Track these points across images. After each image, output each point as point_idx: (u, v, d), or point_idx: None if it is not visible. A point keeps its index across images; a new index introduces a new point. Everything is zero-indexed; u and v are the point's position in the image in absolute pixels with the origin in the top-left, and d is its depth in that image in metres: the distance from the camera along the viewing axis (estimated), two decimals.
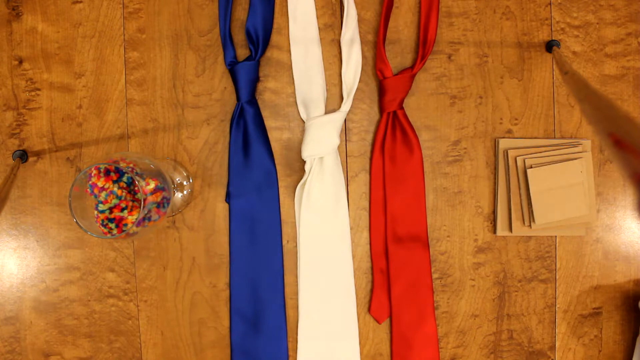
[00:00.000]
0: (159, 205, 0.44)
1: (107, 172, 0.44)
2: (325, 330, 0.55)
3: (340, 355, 0.55)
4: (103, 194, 0.44)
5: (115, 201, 0.43)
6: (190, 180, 0.55)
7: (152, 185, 0.43)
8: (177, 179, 0.54)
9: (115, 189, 0.44)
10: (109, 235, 0.43)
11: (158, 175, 0.45)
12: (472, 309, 0.57)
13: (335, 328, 0.55)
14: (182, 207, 0.55)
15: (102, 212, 0.44)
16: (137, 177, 0.42)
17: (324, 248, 0.55)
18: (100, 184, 0.44)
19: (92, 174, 0.44)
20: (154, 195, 0.43)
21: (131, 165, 0.43)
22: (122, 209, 0.44)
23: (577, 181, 0.55)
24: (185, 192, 0.55)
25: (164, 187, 0.45)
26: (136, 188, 0.43)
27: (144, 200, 0.41)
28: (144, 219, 0.43)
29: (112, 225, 0.44)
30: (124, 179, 0.44)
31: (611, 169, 0.57)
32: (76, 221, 0.42)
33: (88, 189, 0.44)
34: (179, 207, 0.55)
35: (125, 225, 0.44)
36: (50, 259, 0.55)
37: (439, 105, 0.56)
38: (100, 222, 0.44)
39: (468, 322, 0.57)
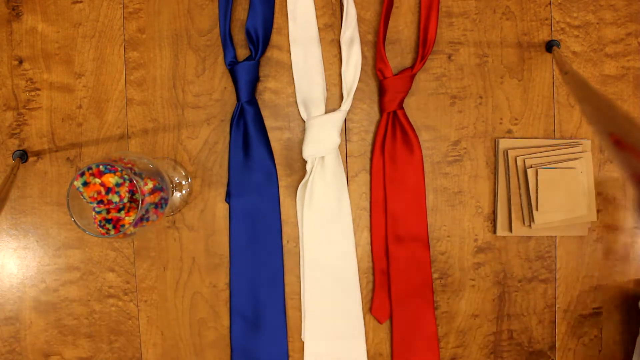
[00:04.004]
0: (157, 205, 0.44)
1: (101, 173, 0.44)
2: (331, 330, 0.55)
3: (346, 355, 0.55)
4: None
5: (115, 198, 0.43)
6: (189, 180, 0.55)
7: (150, 185, 0.43)
8: (175, 179, 0.54)
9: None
10: (106, 235, 0.43)
11: (156, 175, 0.45)
12: (472, 309, 0.57)
13: (341, 327, 0.55)
14: (181, 206, 0.55)
15: (99, 212, 0.44)
16: (136, 177, 0.42)
17: (327, 247, 0.55)
18: (97, 182, 0.43)
19: (87, 177, 0.44)
20: (152, 196, 0.43)
21: (129, 165, 0.43)
22: (120, 210, 0.44)
23: (577, 181, 0.55)
24: (184, 192, 0.55)
25: (162, 187, 0.45)
26: (134, 188, 0.43)
27: (142, 200, 0.41)
28: (141, 219, 0.43)
29: (110, 226, 0.44)
30: (123, 173, 0.44)
31: (611, 169, 0.57)
32: (74, 220, 0.42)
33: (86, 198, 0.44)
34: (177, 207, 0.55)
35: (123, 226, 0.44)
36: (50, 259, 0.55)
37: (439, 105, 0.56)
38: (98, 222, 0.44)
39: (468, 322, 0.57)
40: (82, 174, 0.42)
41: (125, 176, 0.43)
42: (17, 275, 0.56)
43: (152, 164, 0.45)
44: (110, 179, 0.43)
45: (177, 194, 0.54)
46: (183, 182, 0.54)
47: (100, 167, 0.43)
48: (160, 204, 0.45)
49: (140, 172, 0.44)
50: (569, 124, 0.57)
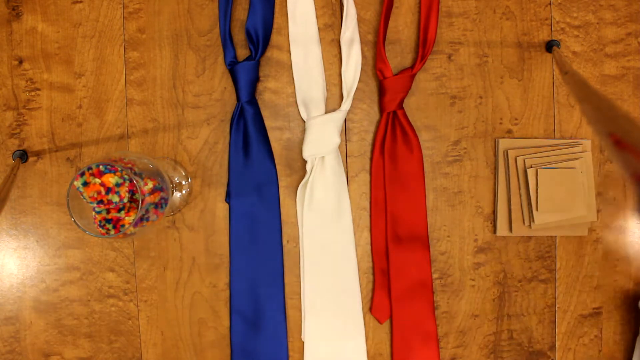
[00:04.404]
0: (157, 205, 0.44)
1: (101, 173, 0.44)
2: (331, 330, 0.55)
3: (346, 355, 0.55)
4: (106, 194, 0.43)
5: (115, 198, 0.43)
6: (189, 180, 0.55)
7: (150, 185, 0.43)
8: (175, 179, 0.54)
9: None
10: (106, 235, 0.43)
11: (156, 175, 0.45)
12: (472, 309, 0.57)
13: (341, 327, 0.55)
14: (181, 206, 0.55)
15: (99, 212, 0.44)
16: (136, 177, 0.42)
17: (328, 247, 0.55)
18: (97, 182, 0.43)
19: (87, 178, 0.43)
20: (151, 196, 0.43)
21: (129, 165, 0.43)
22: (120, 210, 0.44)
23: (577, 181, 0.55)
24: (184, 192, 0.55)
25: (162, 187, 0.45)
26: (134, 188, 0.43)
27: (142, 200, 0.41)
28: (141, 219, 0.43)
29: (110, 226, 0.44)
30: (123, 173, 0.44)
31: (611, 169, 0.57)
32: (74, 220, 0.42)
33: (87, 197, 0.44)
34: (177, 207, 0.55)
35: (123, 226, 0.44)
36: (50, 259, 0.55)
37: (439, 105, 0.56)
38: (98, 222, 0.44)
39: (468, 322, 0.57)
40: (82, 174, 0.42)
41: (125, 176, 0.43)
42: (17, 275, 0.56)
43: (152, 164, 0.45)
44: (110, 179, 0.43)
45: (177, 194, 0.54)
46: (183, 182, 0.54)
47: (100, 167, 0.43)
48: (160, 204, 0.45)
49: (140, 172, 0.44)
50: (569, 124, 0.57)
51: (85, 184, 0.42)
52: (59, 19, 0.55)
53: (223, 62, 0.56)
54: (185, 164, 0.56)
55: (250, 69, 0.54)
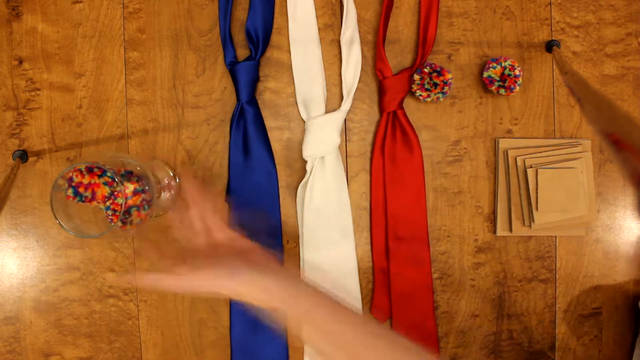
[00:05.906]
0: (139, 207, 0.44)
1: (90, 170, 0.44)
2: None
3: None
4: (89, 192, 0.44)
5: (107, 189, 0.44)
6: (177, 180, 0.55)
7: (131, 188, 0.43)
8: (165, 180, 0.54)
9: (102, 181, 0.44)
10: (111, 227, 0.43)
11: (142, 176, 0.45)
12: (472, 309, 0.57)
13: None
14: (169, 207, 0.55)
15: (108, 209, 0.44)
16: (117, 179, 0.42)
17: (327, 248, 0.55)
18: (85, 181, 0.44)
19: (74, 176, 0.44)
20: (133, 198, 0.43)
21: (112, 168, 0.44)
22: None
23: (577, 181, 0.55)
24: (172, 192, 0.54)
25: (144, 189, 0.45)
26: (115, 192, 0.43)
27: (124, 204, 0.41)
28: (124, 222, 0.43)
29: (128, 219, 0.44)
30: (108, 174, 0.44)
31: (611, 169, 0.57)
32: (59, 222, 0.41)
33: (70, 194, 0.44)
34: (164, 208, 0.54)
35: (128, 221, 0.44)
36: (50, 259, 0.55)
37: (439, 105, 0.56)
38: (114, 218, 0.45)
39: (468, 322, 0.57)
40: (71, 175, 0.43)
41: (111, 177, 0.43)
42: (17, 275, 0.56)
43: (139, 166, 0.45)
44: (101, 183, 0.44)
45: (166, 194, 0.53)
46: (172, 183, 0.54)
47: (90, 167, 0.43)
48: (142, 206, 0.45)
49: (127, 172, 0.44)
50: (569, 124, 0.57)
51: (78, 186, 0.43)
52: (59, 19, 0.55)
53: (223, 62, 0.56)
54: (185, 164, 0.56)
55: (250, 69, 0.54)
